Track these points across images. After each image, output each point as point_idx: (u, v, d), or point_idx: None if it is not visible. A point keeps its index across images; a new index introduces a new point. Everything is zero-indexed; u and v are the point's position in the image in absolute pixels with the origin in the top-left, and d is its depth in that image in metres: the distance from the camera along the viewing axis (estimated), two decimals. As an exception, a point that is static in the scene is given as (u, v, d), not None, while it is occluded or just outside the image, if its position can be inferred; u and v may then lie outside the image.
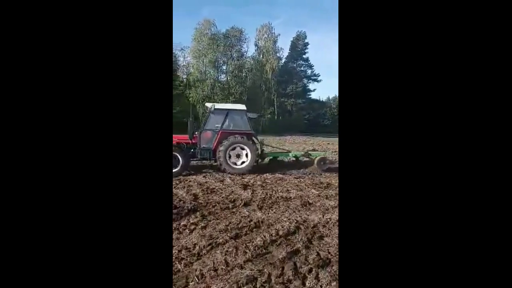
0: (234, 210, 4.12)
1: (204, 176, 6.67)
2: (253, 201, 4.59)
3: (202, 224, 3.43)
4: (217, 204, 4.31)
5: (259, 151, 7.57)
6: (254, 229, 3.34)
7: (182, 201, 4.48)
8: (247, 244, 2.88)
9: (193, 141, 7.12)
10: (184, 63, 35.96)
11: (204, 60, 33.18)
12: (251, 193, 5.09)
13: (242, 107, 7.52)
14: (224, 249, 2.75)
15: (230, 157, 6.94)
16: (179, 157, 6.56)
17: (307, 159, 8.24)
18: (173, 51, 34.35)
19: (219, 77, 35.14)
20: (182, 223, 3.44)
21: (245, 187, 5.62)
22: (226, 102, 32.56)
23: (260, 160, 7.70)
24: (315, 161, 7.60)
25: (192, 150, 7.06)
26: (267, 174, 7.13)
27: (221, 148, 6.83)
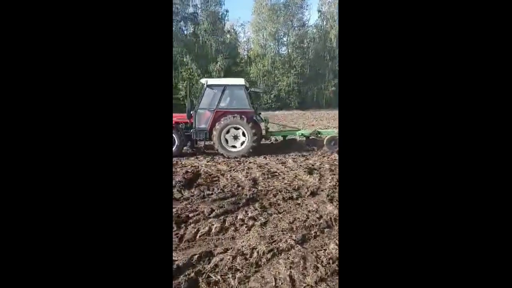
0: (299, 201, 3.50)
1: (264, 157, 6.19)
2: (322, 190, 3.89)
3: (262, 219, 2.91)
4: (279, 193, 3.75)
5: (263, 131, 6.89)
6: (325, 230, 2.68)
7: (240, 187, 4.05)
8: (318, 253, 2.25)
9: (192, 121, 6.52)
10: (244, 39, 35.60)
11: (264, 34, 32.11)
12: (319, 179, 4.38)
13: (240, 81, 6.59)
14: (288, 258, 2.18)
15: (227, 140, 6.23)
16: (174, 137, 6.20)
17: (317, 138, 7.07)
18: (234, 27, 34.18)
19: (279, 50, 33.78)
20: (239, 217, 2.98)
21: (310, 171, 4.92)
22: (288, 77, 31.59)
23: (264, 140, 7.01)
24: (325, 141, 6.57)
25: (191, 130, 6.48)
26: (336, 154, 6.27)
27: (215, 131, 6.16)
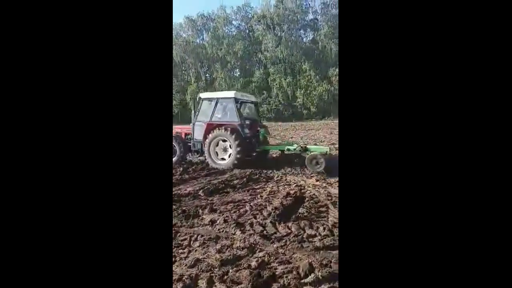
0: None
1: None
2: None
3: None
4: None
5: (255, 143, 6.66)
6: None
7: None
8: None
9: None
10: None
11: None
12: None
13: (230, 94, 6.50)
14: None
15: (217, 153, 6.35)
16: (176, 147, 6.73)
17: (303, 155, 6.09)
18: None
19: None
20: None
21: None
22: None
23: (254, 154, 6.82)
24: (306, 160, 5.62)
25: (191, 142, 6.86)
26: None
27: (205, 143, 6.35)
